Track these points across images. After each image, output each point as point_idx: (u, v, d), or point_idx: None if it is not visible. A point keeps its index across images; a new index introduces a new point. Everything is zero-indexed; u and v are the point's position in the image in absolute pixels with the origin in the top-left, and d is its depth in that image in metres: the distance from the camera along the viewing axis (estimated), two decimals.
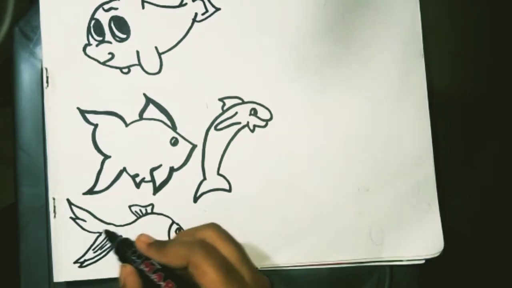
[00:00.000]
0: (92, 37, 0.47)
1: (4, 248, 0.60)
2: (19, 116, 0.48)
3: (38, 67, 0.48)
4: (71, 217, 0.47)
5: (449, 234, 0.50)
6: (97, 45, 0.47)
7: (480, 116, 0.55)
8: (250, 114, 0.49)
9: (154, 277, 0.40)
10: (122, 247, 0.43)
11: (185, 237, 0.43)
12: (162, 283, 0.39)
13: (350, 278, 0.50)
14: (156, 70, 0.48)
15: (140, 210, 0.47)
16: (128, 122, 0.47)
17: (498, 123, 0.55)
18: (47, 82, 0.47)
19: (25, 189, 0.48)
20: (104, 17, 0.47)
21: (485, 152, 0.55)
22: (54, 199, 0.47)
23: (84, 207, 0.47)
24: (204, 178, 0.48)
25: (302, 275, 0.50)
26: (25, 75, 0.48)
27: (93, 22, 0.47)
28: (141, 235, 0.43)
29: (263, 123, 0.49)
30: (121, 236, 0.44)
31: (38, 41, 0.48)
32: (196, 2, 0.48)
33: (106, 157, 0.47)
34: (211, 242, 0.42)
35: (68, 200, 0.47)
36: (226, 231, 0.44)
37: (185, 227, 0.48)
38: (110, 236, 0.45)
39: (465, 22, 0.55)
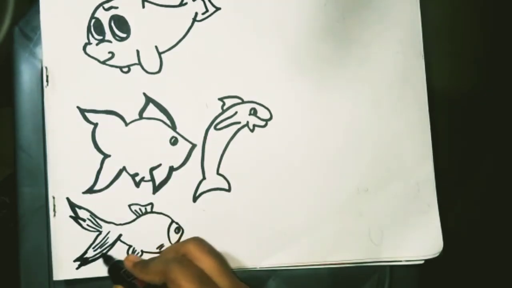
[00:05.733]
0: (92, 36, 0.47)
1: (4, 247, 0.60)
2: (19, 116, 0.48)
3: (38, 67, 0.48)
4: (70, 216, 0.47)
5: (448, 235, 0.50)
6: (97, 44, 0.47)
7: (480, 116, 0.55)
8: (250, 114, 0.49)
9: None
10: (116, 267, 0.47)
11: (169, 253, 0.46)
12: None
13: (350, 278, 0.50)
14: (156, 69, 0.48)
15: (140, 209, 0.47)
16: (128, 121, 0.47)
17: (498, 123, 0.55)
18: (47, 81, 0.47)
19: (25, 189, 0.48)
20: (104, 16, 0.47)
21: (485, 152, 0.56)
22: (54, 197, 0.47)
23: (84, 206, 0.47)
24: (204, 178, 0.48)
25: (302, 275, 0.50)
26: (25, 75, 0.48)
27: (93, 21, 0.47)
28: (130, 255, 0.47)
29: (262, 123, 0.49)
30: (115, 258, 0.47)
31: (38, 41, 0.48)
32: (196, 1, 0.48)
33: (106, 156, 0.47)
34: (191, 255, 0.44)
35: (68, 199, 0.47)
36: (207, 243, 0.47)
37: (184, 226, 0.48)
38: (105, 259, 0.47)
39: (465, 22, 0.55)
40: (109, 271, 0.47)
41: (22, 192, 0.48)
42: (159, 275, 0.42)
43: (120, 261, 0.47)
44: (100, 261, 0.47)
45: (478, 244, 0.57)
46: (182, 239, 0.48)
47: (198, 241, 0.45)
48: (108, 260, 0.47)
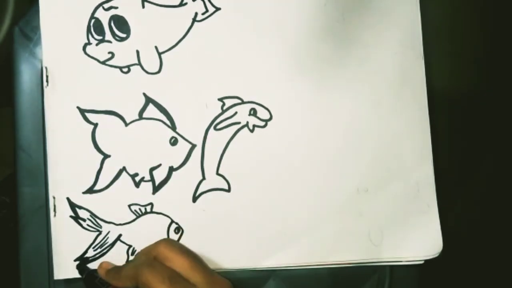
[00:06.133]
0: (92, 36, 0.47)
1: (4, 247, 0.60)
2: (19, 116, 0.48)
3: (38, 67, 0.48)
4: (71, 216, 0.47)
5: (448, 235, 0.50)
6: (97, 44, 0.47)
7: (480, 117, 0.55)
8: (250, 114, 0.49)
9: None
10: (91, 277, 0.46)
11: (141, 257, 0.46)
12: None
13: (350, 278, 0.50)
14: (156, 69, 0.48)
15: (140, 209, 0.47)
16: (127, 121, 0.47)
17: (498, 123, 0.55)
18: (47, 81, 0.47)
19: (25, 189, 0.48)
20: (104, 16, 0.47)
21: (485, 152, 0.55)
22: (54, 198, 0.47)
23: (84, 206, 0.47)
24: (203, 178, 0.48)
25: (302, 275, 0.50)
26: (25, 75, 0.48)
27: (93, 21, 0.47)
28: (102, 262, 0.47)
29: (262, 123, 0.49)
30: (90, 269, 0.47)
31: (38, 41, 0.48)
32: (196, 1, 0.48)
33: (106, 156, 0.47)
34: (162, 256, 0.44)
35: (68, 199, 0.47)
36: (178, 243, 0.47)
37: (184, 226, 0.48)
38: (81, 269, 0.47)
39: (465, 22, 0.55)
40: (85, 281, 0.47)
41: (22, 192, 0.48)
42: (131, 280, 0.42)
43: (95, 271, 0.47)
44: (100, 261, 0.47)
45: (478, 244, 0.57)
46: (182, 239, 0.48)
47: (168, 242, 0.45)
48: (83, 270, 0.47)
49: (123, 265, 0.46)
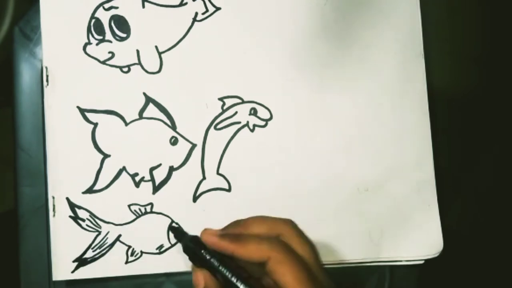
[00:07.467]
0: (92, 36, 0.47)
1: (4, 248, 0.60)
2: (19, 116, 0.48)
3: (38, 67, 0.48)
4: (70, 216, 0.47)
5: (448, 235, 0.50)
6: (97, 44, 0.47)
7: (480, 116, 0.55)
8: (250, 114, 0.49)
9: (234, 280, 0.39)
10: (193, 246, 0.43)
11: (260, 228, 0.42)
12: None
13: (350, 278, 0.50)
14: (156, 69, 0.48)
15: (140, 209, 0.47)
16: (128, 121, 0.47)
17: (498, 123, 0.55)
18: (47, 81, 0.47)
19: (25, 189, 0.48)
20: (104, 16, 0.47)
21: (485, 152, 0.55)
22: (53, 197, 0.47)
23: (83, 206, 0.47)
24: (204, 178, 0.48)
25: None
26: (25, 75, 0.48)
27: (93, 21, 0.47)
28: (206, 229, 0.43)
29: (263, 123, 0.49)
30: (187, 233, 0.45)
31: (38, 41, 0.48)
32: (196, 1, 0.48)
33: (106, 156, 0.47)
34: (287, 239, 0.41)
35: (67, 199, 0.47)
36: (301, 230, 0.45)
37: (184, 226, 0.48)
38: (177, 233, 0.45)
39: (465, 22, 0.55)
40: (186, 249, 0.44)
41: (22, 192, 0.48)
42: (261, 253, 0.39)
43: (195, 237, 0.44)
44: (99, 261, 0.47)
45: (478, 244, 0.57)
46: None
47: (295, 225, 0.43)
48: (181, 235, 0.45)
49: (241, 234, 0.42)
